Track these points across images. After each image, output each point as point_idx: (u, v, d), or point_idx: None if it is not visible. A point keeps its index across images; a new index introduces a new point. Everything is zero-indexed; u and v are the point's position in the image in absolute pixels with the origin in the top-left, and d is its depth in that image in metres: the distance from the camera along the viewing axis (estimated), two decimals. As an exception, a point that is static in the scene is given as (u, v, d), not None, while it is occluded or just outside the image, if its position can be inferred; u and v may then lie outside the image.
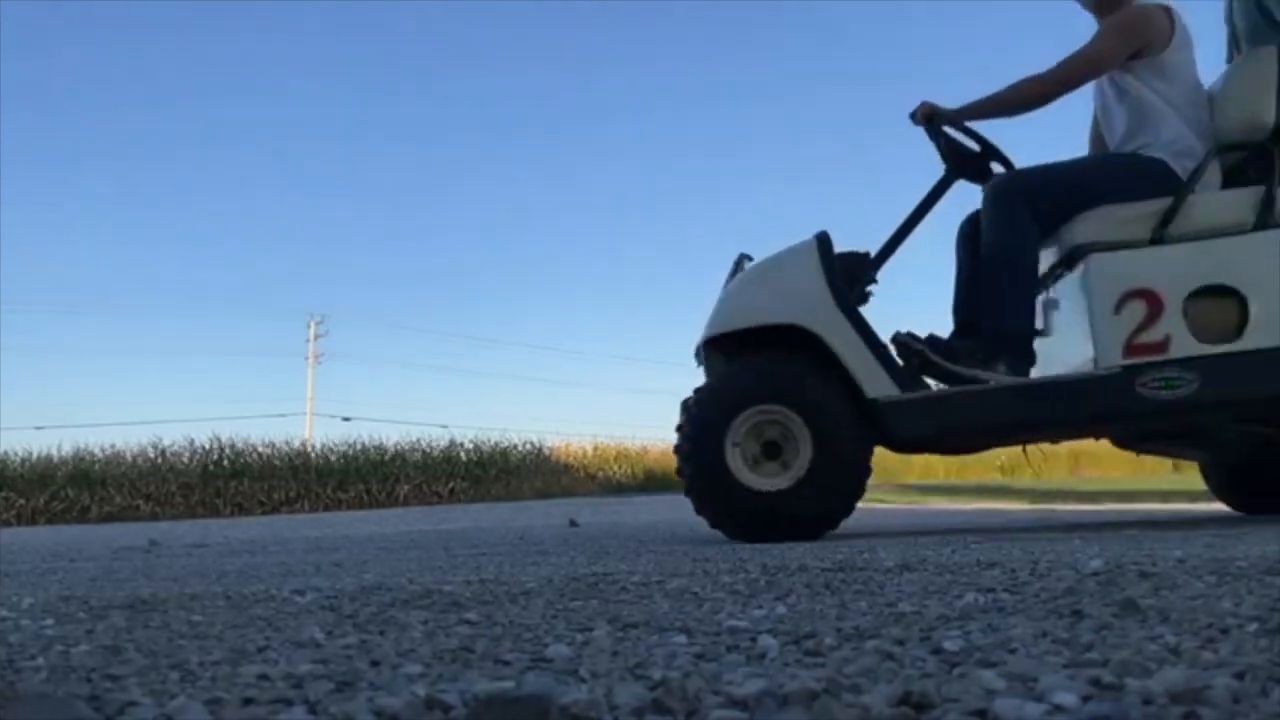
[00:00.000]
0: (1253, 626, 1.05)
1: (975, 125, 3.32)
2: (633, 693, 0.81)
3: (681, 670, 0.93)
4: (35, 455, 17.74)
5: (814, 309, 3.12)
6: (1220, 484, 4.06)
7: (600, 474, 21.15)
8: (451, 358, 58.16)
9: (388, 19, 42.77)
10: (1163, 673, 0.81)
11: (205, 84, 39.97)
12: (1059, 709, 0.72)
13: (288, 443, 19.57)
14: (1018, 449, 3.73)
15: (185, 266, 40.57)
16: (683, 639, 1.13)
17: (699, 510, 3.20)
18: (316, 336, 32.07)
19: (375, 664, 1.03)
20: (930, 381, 3.19)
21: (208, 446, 18.60)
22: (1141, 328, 2.88)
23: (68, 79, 37.87)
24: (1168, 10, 3.18)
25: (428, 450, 19.73)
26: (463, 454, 19.82)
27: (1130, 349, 2.88)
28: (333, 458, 19.08)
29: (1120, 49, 3.14)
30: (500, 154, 44.77)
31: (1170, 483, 12.60)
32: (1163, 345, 2.87)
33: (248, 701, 0.85)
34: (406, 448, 19.65)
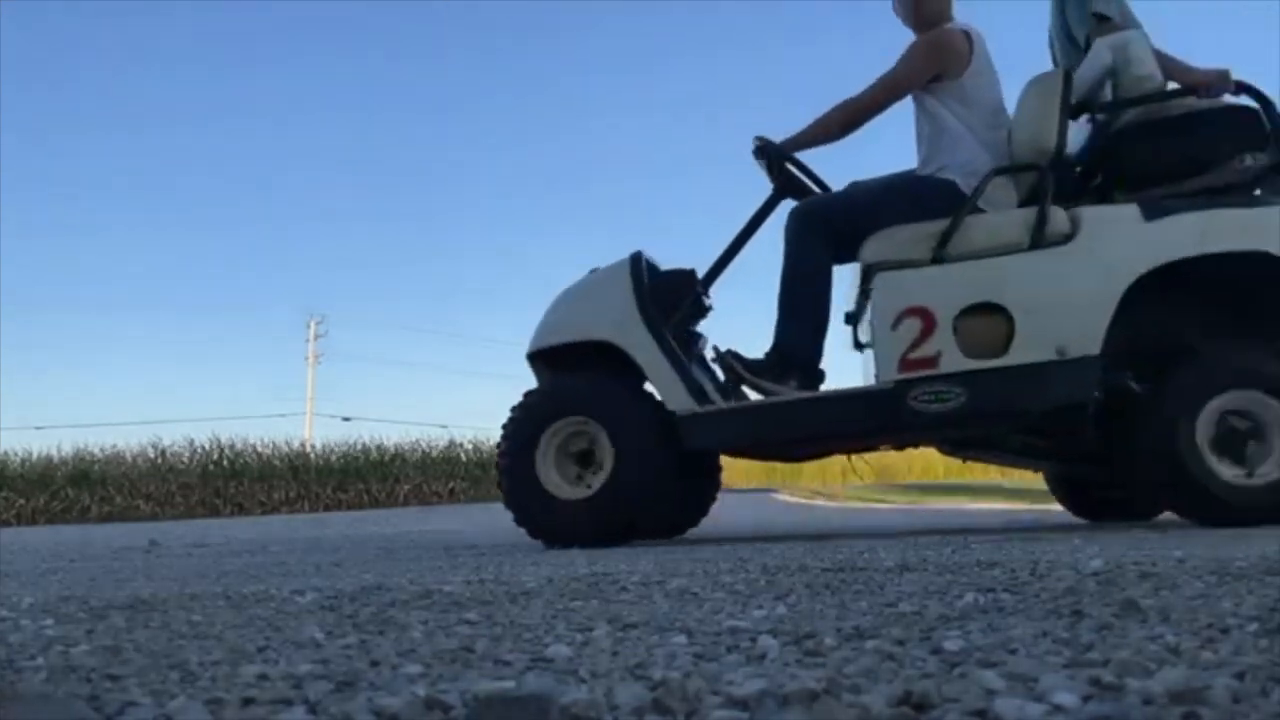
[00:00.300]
0: (1253, 626, 1.05)
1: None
2: (633, 693, 0.81)
3: (681, 670, 0.93)
4: (35, 455, 17.75)
5: (622, 326, 3.27)
6: (1059, 493, 4.16)
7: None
8: (451, 358, 58.15)
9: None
10: (1163, 673, 0.81)
11: (206, 86, 40.00)
12: (1059, 709, 0.72)
13: (287, 443, 19.58)
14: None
15: (185, 267, 40.58)
16: (683, 639, 1.13)
17: (517, 520, 3.34)
18: (316, 336, 32.08)
19: (375, 664, 1.03)
20: (750, 393, 3.34)
21: (207, 446, 18.60)
22: (915, 344, 3.00)
23: (69, 80, 37.89)
24: (968, 34, 3.29)
25: (428, 450, 19.73)
26: (463, 454, 19.82)
27: (905, 364, 3.00)
28: (333, 458, 19.07)
29: (919, 73, 3.27)
30: (500, 152, 44.79)
31: None
32: (934, 360, 2.98)
33: (248, 701, 0.85)
34: (406, 448, 19.65)
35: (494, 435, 3.57)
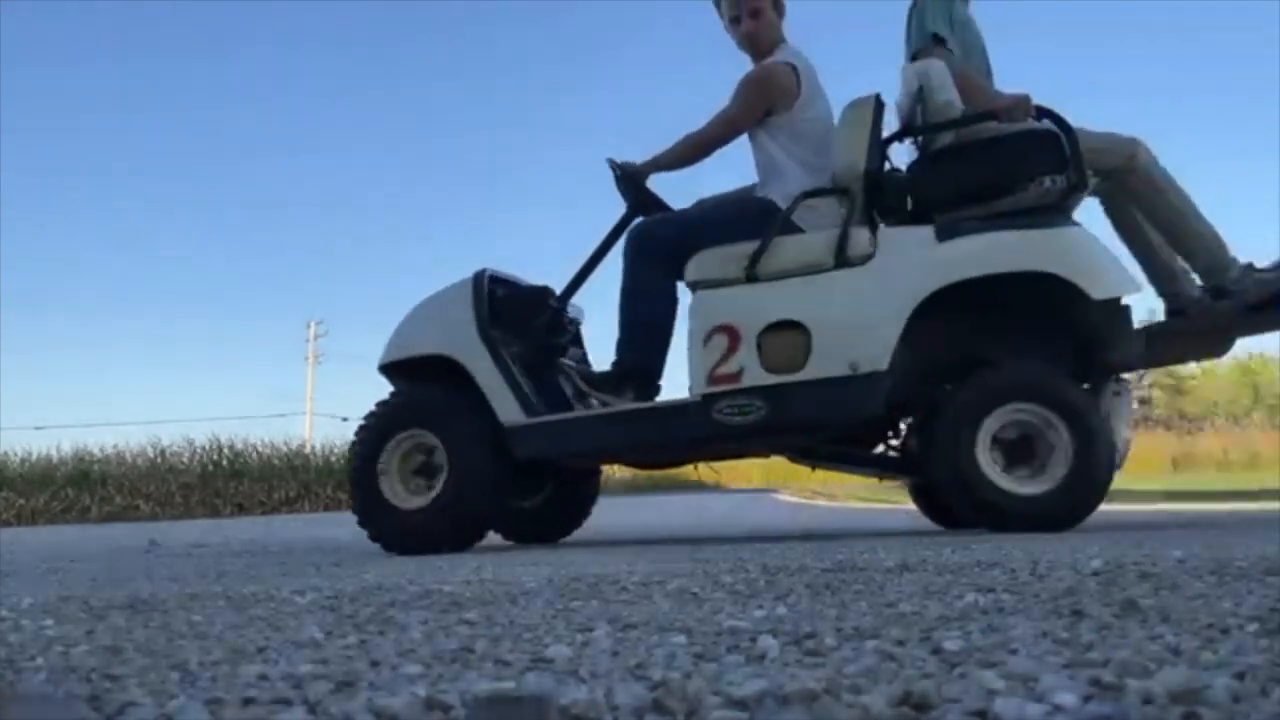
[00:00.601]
0: (1253, 626, 1.05)
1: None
2: (633, 693, 0.81)
3: (681, 670, 0.93)
4: (35, 455, 17.74)
5: (460, 342, 3.43)
6: (916, 499, 4.26)
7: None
8: (451, 358, 57.95)
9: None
10: (1163, 673, 0.81)
11: (206, 87, 39.99)
12: (1059, 709, 0.72)
13: (287, 443, 19.56)
14: None
15: (185, 267, 40.57)
16: (683, 639, 1.13)
17: (371, 535, 3.47)
18: (316, 337, 32.10)
19: (375, 664, 1.03)
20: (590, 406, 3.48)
21: (207, 446, 18.58)
22: (722, 359, 3.13)
23: (71, 81, 37.89)
24: (795, 68, 3.40)
25: (427, 450, 19.68)
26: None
27: (712, 378, 3.14)
28: (332, 458, 19.05)
29: (751, 111, 3.41)
30: (504, 152, 44.76)
31: (1171, 483, 12.59)
32: (737, 375, 3.12)
33: (248, 701, 0.85)
34: (406, 448, 19.58)
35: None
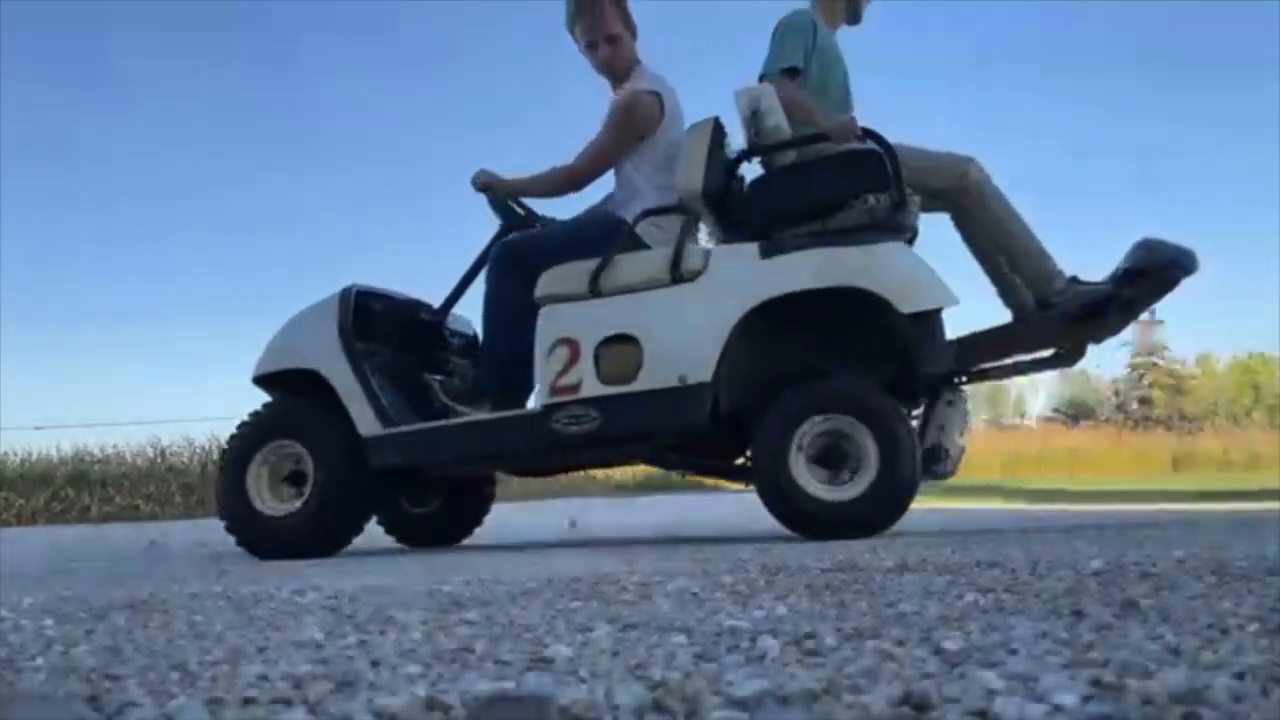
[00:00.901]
0: (1253, 627, 1.05)
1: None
2: (633, 693, 0.81)
3: (681, 670, 0.93)
4: (35, 455, 17.71)
5: (323, 355, 3.52)
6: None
7: (600, 473, 21.11)
8: (451, 358, 57.95)
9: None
10: (1163, 673, 0.81)
11: (206, 87, 40.01)
12: (1059, 709, 0.72)
13: (287, 443, 19.51)
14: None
15: (185, 267, 40.58)
16: (683, 639, 1.13)
17: (237, 541, 3.54)
18: (316, 337, 31.96)
19: (375, 664, 1.03)
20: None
21: (207, 446, 18.55)
22: (563, 371, 3.25)
23: (70, 79, 37.91)
24: (658, 95, 3.51)
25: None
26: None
27: (554, 390, 3.25)
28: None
29: (622, 142, 3.52)
30: (502, 154, 44.77)
31: (1170, 483, 12.59)
32: (575, 387, 3.23)
33: (248, 701, 0.85)
34: (406, 448, 19.58)
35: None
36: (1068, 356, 3.50)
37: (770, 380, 3.25)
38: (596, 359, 3.22)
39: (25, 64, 35.56)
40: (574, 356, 3.24)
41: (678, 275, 3.21)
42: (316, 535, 3.44)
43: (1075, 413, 32.98)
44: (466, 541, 4.18)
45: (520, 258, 3.47)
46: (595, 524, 4.64)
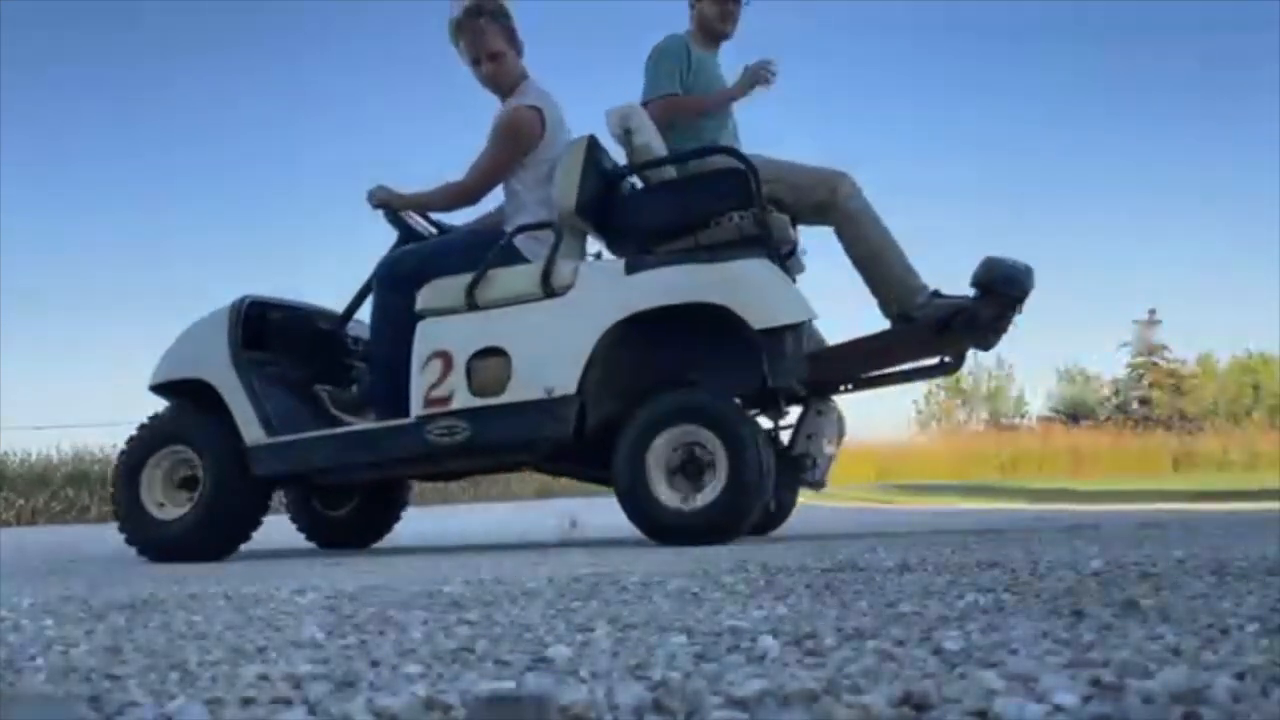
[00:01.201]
0: (1253, 627, 1.05)
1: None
2: (633, 693, 0.81)
3: (681, 670, 0.93)
4: (35, 455, 17.71)
5: (212, 365, 3.59)
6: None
7: (600, 474, 21.02)
8: (451, 358, 57.97)
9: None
10: (1163, 673, 0.81)
11: (206, 83, 40.01)
12: (1059, 709, 0.72)
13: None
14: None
15: (184, 267, 40.61)
16: (683, 639, 1.13)
17: (128, 541, 3.59)
18: (316, 336, 31.98)
19: (375, 664, 1.03)
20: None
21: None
22: (436, 383, 3.32)
23: (67, 80, 37.92)
24: (539, 110, 3.54)
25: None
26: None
27: (428, 401, 3.32)
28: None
29: (505, 157, 3.56)
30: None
31: (1170, 483, 12.60)
32: (448, 399, 3.30)
33: (248, 701, 0.85)
34: (406, 448, 19.55)
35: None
36: (950, 365, 3.58)
37: (641, 393, 3.31)
38: (468, 371, 3.29)
39: None
40: (447, 369, 3.31)
41: (549, 290, 3.28)
42: (204, 539, 3.49)
43: (1075, 413, 32.96)
44: (466, 541, 4.19)
45: (405, 271, 3.53)
46: (595, 524, 4.65)
